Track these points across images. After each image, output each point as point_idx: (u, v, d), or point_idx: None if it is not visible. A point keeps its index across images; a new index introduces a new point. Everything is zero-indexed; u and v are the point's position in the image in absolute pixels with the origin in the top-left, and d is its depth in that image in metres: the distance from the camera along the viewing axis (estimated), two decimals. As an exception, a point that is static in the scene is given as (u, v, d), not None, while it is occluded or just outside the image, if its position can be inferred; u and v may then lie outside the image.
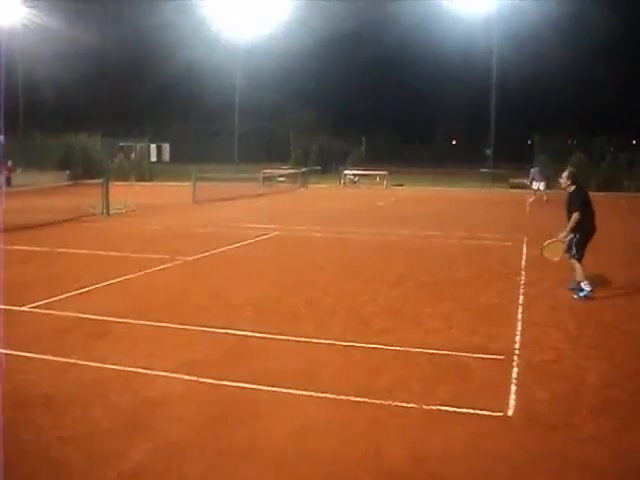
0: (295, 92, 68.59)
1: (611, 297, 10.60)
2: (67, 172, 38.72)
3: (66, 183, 31.31)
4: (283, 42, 56.79)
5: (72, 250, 14.56)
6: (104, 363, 6.96)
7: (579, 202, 10.47)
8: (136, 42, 64.75)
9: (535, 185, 29.92)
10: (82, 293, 10.28)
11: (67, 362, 7.00)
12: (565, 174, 10.89)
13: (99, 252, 14.28)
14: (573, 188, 10.75)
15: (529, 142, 50.61)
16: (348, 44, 65.24)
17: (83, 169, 39.59)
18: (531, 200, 29.01)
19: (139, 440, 5.25)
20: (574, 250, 10.36)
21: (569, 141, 43.12)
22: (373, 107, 75.05)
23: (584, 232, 10.34)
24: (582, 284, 10.29)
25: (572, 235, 10.35)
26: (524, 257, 14.24)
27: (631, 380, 6.71)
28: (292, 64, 62.11)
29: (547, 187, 30.09)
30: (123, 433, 5.38)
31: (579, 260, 10.35)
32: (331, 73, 70.74)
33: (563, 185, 10.90)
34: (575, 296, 10.34)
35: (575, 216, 10.29)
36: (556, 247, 10.72)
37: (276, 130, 66.16)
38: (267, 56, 57.92)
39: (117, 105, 68.16)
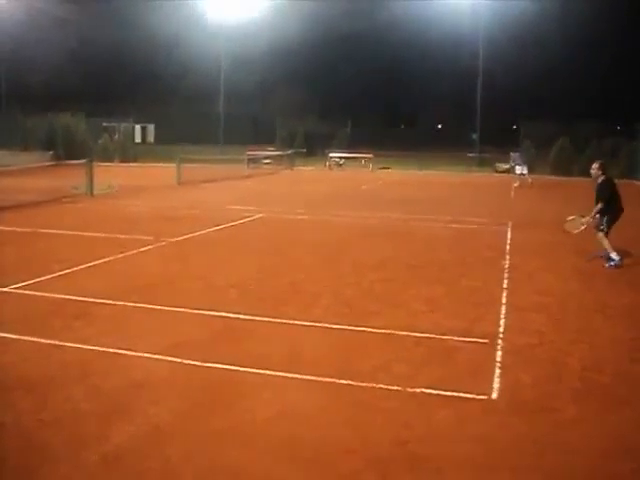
0: (281, 74, 68.25)
1: (593, 282, 10.69)
2: (50, 152, 38.31)
3: (49, 163, 30.95)
4: (269, 24, 56.38)
5: (55, 231, 14.45)
6: (87, 345, 6.91)
7: (605, 193, 11.87)
8: (121, 22, 64.10)
9: (518, 170, 30.10)
10: (65, 274, 10.19)
11: (49, 344, 6.95)
12: (596, 165, 12.25)
13: (82, 233, 14.17)
14: (602, 178, 12.07)
15: (514, 127, 50.72)
16: (335, 28, 64.87)
17: (66, 149, 39.16)
18: (516, 185, 29.17)
19: (121, 423, 5.21)
20: (601, 227, 11.85)
21: (554, 126, 43.18)
22: (359, 90, 74.88)
23: (609, 215, 11.80)
24: (611, 255, 11.68)
25: (599, 217, 11.88)
26: (509, 241, 14.29)
27: (612, 364, 6.75)
28: (278, 46, 61.68)
29: (530, 171, 30.29)
30: (105, 416, 5.35)
31: (606, 235, 11.79)
32: (318, 56, 70.48)
33: (594, 175, 12.20)
34: (606, 265, 11.71)
35: (598, 206, 11.79)
36: (576, 223, 12.34)
37: (262, 112, 65.86)
38: (253, 38, 57.50)
39: (101, 85, 67.57)
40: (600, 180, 12.07)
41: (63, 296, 8.84)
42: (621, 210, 12.00)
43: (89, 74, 67.23)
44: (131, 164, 42.48)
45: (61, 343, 6.96)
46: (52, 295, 8.90)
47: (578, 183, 32.06)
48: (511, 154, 31.25)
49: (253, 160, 40.00)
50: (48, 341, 7.01)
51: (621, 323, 8.32)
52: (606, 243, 11.80)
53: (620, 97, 59.74)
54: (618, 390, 6.11)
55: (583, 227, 12.25)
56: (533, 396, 5.90)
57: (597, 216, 11.90)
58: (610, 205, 11.83)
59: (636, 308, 9.10)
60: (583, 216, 12.21)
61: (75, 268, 10.59)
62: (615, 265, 11.59)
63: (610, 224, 11.89)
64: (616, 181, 12.60)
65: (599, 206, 11.80)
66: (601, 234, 11.87)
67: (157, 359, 6.56)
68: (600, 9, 56.93)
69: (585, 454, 4.88)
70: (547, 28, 58.02)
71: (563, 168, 38.39)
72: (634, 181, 33.04)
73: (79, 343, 6.96)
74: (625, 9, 57.58)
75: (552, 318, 8.41)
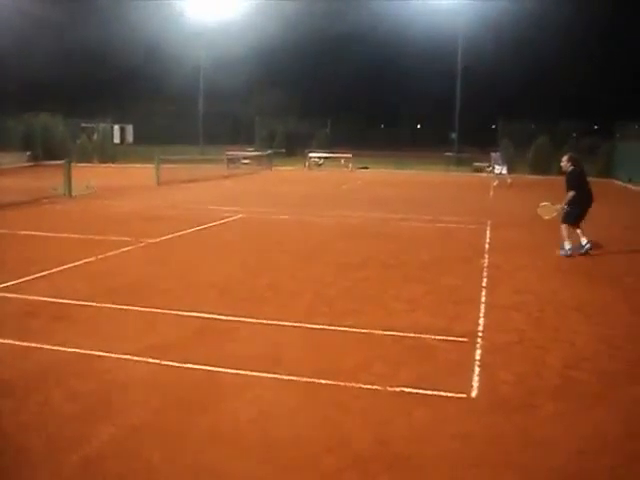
0: (261, 74, 68.15)
1: (572, 280, 10.79)
2: (27, 153, 37.97)
3: (27, 164, 30.72)
4: (250, 24, 56.26)
5: (33, 232, 14.32)
6: (66, 347, 6.86)
7: (573, 183, 12.38)
8: (100, 22, 63.72)
9: (497, 169, 30.26)
10: (44, 276, 10.11)
11: (28, 346, 6.89)
12: (565, 158, 12.76)
13: (61, 234, 14.08)
14: (571, 169, 12.55)
15: (493, 126, 50.97)
16: (315, 27, 64.88)
17: (44, 150, 38.87)
18: (495, 184, 29.34)
19: (101, 424, 5.19)
20: (564, 218, 12.47)
21: (532, 125, 43.49)
22: (340, 90, 74.92)
23: (575, 205, 12.32)
24: (564, 243, 12.36)
25: (566, 207, 12.39)
26: (488, 240, 14.37)
27: (590, 361, 6.81)
28: (258, 47, 61.59)
29: (509, 171, 30.45)
30: (85, 417, 5.32)
31: (571, 226, 12.46)
32: (298, 56, 70.45)
33: (564, 168, 12.70)
34: (558, 252, 12.43)
35: (568, 194, 12.32)
36: (548, 209, 13.03)
37: (241, 112, 65.72)
38: (233, 38, 57.32)
39: (80, 86, 67.08)
40: (569, 170, 12.57)
41: (41, 298, 8.77)
42: (590, 201, 12.48)
43: (67, 74, 66.72)
44: (110, 165, 42.25)
45: (40, 345, 6.90)
46: (31, 297, 8.82)
47: (557, 182, 32.34)
48: (492, 154, 31.43)
49: (232, 160, 39.91)
50: (26, 343, 6.95)
51: (600, 320, 8.39)
52: (565, 233, 12.43)
53: (598, 97, 60.28)
54: (597, 387, 6.16)
55: (555, 214, 12.82)
56: (512, 394, 5.94)
57: (565, 207, 12.48)
58: (578, 196, 12.30)
59: (615, 305, 9.19)
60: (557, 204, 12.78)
61: (54, 270, 10.51)
62: (566, 254, 12.30)
63: (572, 216, 12.40)
64: (590, 178, 12.99)
65: (571, 194, 12.29)
66: (564, 225, 12.50)
67: (137, 360, 6.53)
68: (580, 10, 57.41)
69: (564, 450, 4.93)
70: (526, 28, 58.47)
71: (542, 167, 38.67)
72: (612, 180, 33.39)
73: (58, 345, 6.91)
74: (604, 10, 58.11)
75: (531, 316, 8.47)
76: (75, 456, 4.71)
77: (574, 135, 41.53)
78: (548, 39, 60.12)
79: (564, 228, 12.49)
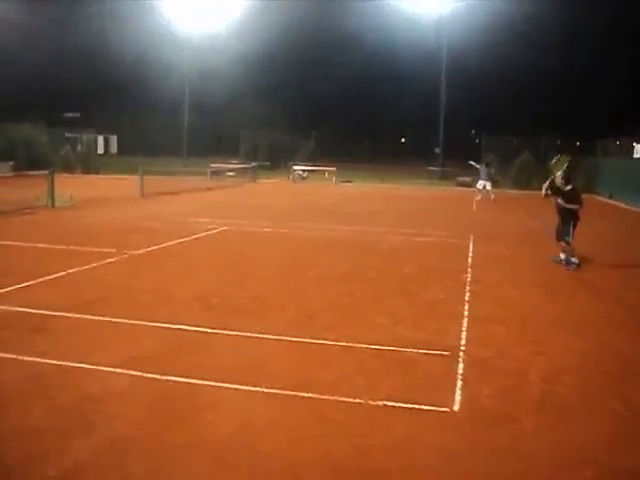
0: (246, 87, 68.35)
1: (553, 294, 10.84)
2: (10, 163, 37.73)
3: (9, 174, 30.52)
4: (236, 37, 56.45)
5: (15, 243, 14.21)
6: (44, 358, 6.79)
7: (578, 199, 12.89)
8: (86, 32, 63.67)
9: (481, 184, 30.23)
10: (24, 287, 10.01)
11: (5, 358, 6.81)
12: (559, 176, 13.05)
13: (43, 245, 13.97)
14: (569, 187, 12.99)
15: (477, 141, 51.33)
16: (302, 41, 65.27)
17: (27, 160, 38.65)
18: (478, 199, 29.39)
19: (80, 437, 5.13)
20: (566, 238, 12.89)
21: (515, 141, 43.83)
22: (324, 104, 75.32)
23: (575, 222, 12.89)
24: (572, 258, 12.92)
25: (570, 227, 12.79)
26: (470, 254, 14.41)
27: (570, 375, 6.84)
28: (244, 59, 61.82)
29: (493, 186, 30.46)
30: (63, 430, 5.26)
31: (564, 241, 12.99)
32: (283, 69, 70.80)
33: (561, 186, 12.98)
34: (565, 266, 12.89)
35: (575, 206, 12.78)
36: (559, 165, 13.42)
37: (226, 124, 65.84)
38: (220, 51, 57.49)
39: (65, 96, 66.94)
40: (567, 189, 12.95)
41: (22, 309, 8.67)
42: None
43: (52, 84, 66.56)
44: (94, 175, 42.07)
45: (17, 357, 6.82)
46: (10, 308, 8.72)
47: (538, 196, 32.52)
48: (481, 166, 31.00)
49: (216, 172, 39.86)
50: (5, 355, 6.87)
51: (580, 334, 8.43)
52: (569, 248, 12.93)
53: (580, 113, 60.94)
54: (577, 401, 6.18)
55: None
56: (494, 407, 5.95)
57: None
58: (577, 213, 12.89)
59: (593, 319, 9.25)
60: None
61: (35, 281, 10.40)
62: (574, 267, 12.76)
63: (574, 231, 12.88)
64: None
65: (576, 206, 12.79)
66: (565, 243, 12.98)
67: (117, 372, 6.48)
68: (568, 26, 58.10)
69: (544, 464, 4.94)
70: (511, 44, 59.06)
71: (524, 182, 38.91)
72: (594, 195, 33.64)
73: (36, 357, 6.83)
74: (593, 29, 58.86)
75: (513, 330, 8.50)
76: (53, 469, 4.65)
77: (557, 150, 41.81)
78: (534, 56, 60.78)
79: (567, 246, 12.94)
